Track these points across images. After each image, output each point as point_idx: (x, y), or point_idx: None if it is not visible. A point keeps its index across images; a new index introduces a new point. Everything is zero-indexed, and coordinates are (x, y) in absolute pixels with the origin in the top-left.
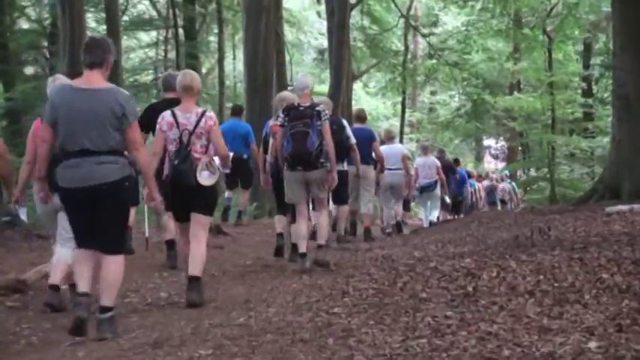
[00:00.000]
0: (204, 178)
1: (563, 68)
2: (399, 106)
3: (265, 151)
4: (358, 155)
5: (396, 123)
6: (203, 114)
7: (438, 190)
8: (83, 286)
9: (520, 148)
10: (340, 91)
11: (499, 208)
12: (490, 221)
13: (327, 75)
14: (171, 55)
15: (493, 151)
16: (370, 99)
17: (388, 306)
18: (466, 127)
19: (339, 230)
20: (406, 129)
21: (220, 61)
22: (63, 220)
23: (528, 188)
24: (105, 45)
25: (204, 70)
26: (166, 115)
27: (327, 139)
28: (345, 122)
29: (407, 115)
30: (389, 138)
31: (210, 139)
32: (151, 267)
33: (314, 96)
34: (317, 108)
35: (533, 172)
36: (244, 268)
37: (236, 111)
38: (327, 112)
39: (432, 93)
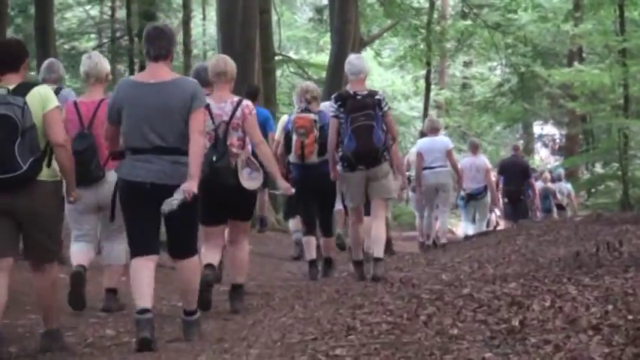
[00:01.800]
0: (246, 179)
1: (639, 30)
2: (422, 82)
3: (288, 151)
4: (397, 150)
5: (418, 104)
6: (239, 103)
7: (488, 198)
8: (145, 302)
9: (582, 136)
10: (344, 62)
11: (555, 215)
12: (542, 233)
13: (326, 41)
14: (121, 14)
15: (547, 141)
16: (384, 72)
17: (407, 346)
18: (511, 110)
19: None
20: (431, 111)
21: (186, 22)
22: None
23: (593, 189)
24: (169, 35)
25: None
26: None
27: (392, 132)
28: None
29: (432, 93)
30: (432, 130)
31: (245, 127)
32: (93, 296)
33: (310, 68)
34: (377, 96)
35: (599, 169)
36: (217, 296)
37: (253, 93)
38: (386, 99)
39: (466, 64)
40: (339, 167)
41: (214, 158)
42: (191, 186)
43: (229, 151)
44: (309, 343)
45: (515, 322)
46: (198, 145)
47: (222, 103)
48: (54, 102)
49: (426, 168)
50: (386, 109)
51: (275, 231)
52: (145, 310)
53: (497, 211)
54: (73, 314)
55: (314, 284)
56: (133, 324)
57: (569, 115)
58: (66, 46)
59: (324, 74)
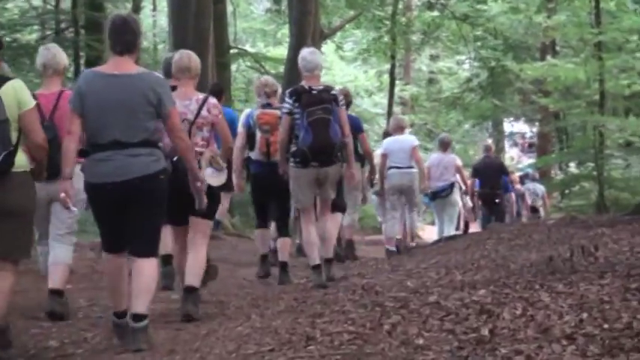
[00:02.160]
0: (210, 176)
1: (616, 23)
2: (386, 77)
3: (251, 148)
4: (352, 149)
5: (382, 100)
6: (205, 101)
7: (456, 196)
8: (123, 304)
9: (555, 134)
10: None
11: (524, 219)
12: (513, 237)
13: (285, 33)
14: (66, 4)
15: (518, 140)
16: (346, 66)
17: (370, 357)
18: (480, 106)
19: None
20: (396, 108)
21: (135, 12)
22: (60, 213)
23: (567, 191)
24: (135, 27)
25: None
26: None
27: (345, 129)
28: None
29: (397, 89)
30: (397, 128)
31: (217, 131)
32: (36, 304)
33: (267, 62)
34: (333, 92)
35: (573, 169)
36: (169, 304)
37: (216, 92)
38: (342, 96)
39: (433, 58)
40: (290, 164)
41: (176, 158)
42: (198, 188)
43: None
44: (265, 354)
45: (485, 332)
46: (183, 146)
47: (187, 100)
48: (31, 102)
49: (391, 167)
50: (342, 104)
51: (230, 235)
52: (122, 314)
53: (469, 202)
54: (15, 320)
55: (271, 291)
56: (78, 334)
57: (541, 112)
58: (7, 39)
59: (282, 68)
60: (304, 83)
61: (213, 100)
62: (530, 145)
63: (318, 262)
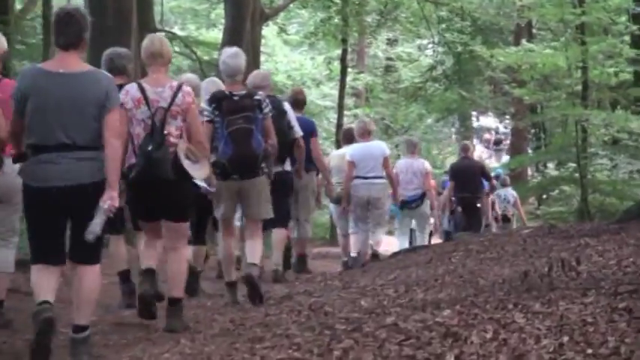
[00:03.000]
0: (191, 168)
1: (601, 1)
2: (337, 64)
3: None
4: (304, 153)
5: (332, 91)
6: (179, 88)
7: (426, 208)
8: (47, 295)
9: (532, 130)
10: (241, 39)
11: (494, 229)
12: (483, 249)
13: (219, 13)
14: None
15: (487, 136)
16: (290, 52)
17: None
18: (445, 98)
19: (275, 264)
20: (348, 101)
21: None
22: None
23: (545, 195)
24: (82, 21)
25: (19, 6)
26: (131, 89)
27: (272, 138)
28: (287, 106)
29: (349, 78)
30: (363, 133)
31: (187, 121)
32: None
33: (199, 47)
34: (256, 97)
35: (552, 170)
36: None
37: None
38: (268, 101)
39: (391, 42)
40: None
41: (150, 148)
42: (111, 198)
43: (167, 141)
44: None
45: (450, 358)
46: (115, 150)
47: (160, 87)
48: None
49: (357, 177)
50: (267, 111)
51: None
52: (45, 302)
53: (432, 220)
54: None
55: (204, 312)
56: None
57: (515, 105)
58: None
59: (216, 54)
60: (225, 88)
61: (187, 88)
62: (497, 142)
63: (233, 279)
